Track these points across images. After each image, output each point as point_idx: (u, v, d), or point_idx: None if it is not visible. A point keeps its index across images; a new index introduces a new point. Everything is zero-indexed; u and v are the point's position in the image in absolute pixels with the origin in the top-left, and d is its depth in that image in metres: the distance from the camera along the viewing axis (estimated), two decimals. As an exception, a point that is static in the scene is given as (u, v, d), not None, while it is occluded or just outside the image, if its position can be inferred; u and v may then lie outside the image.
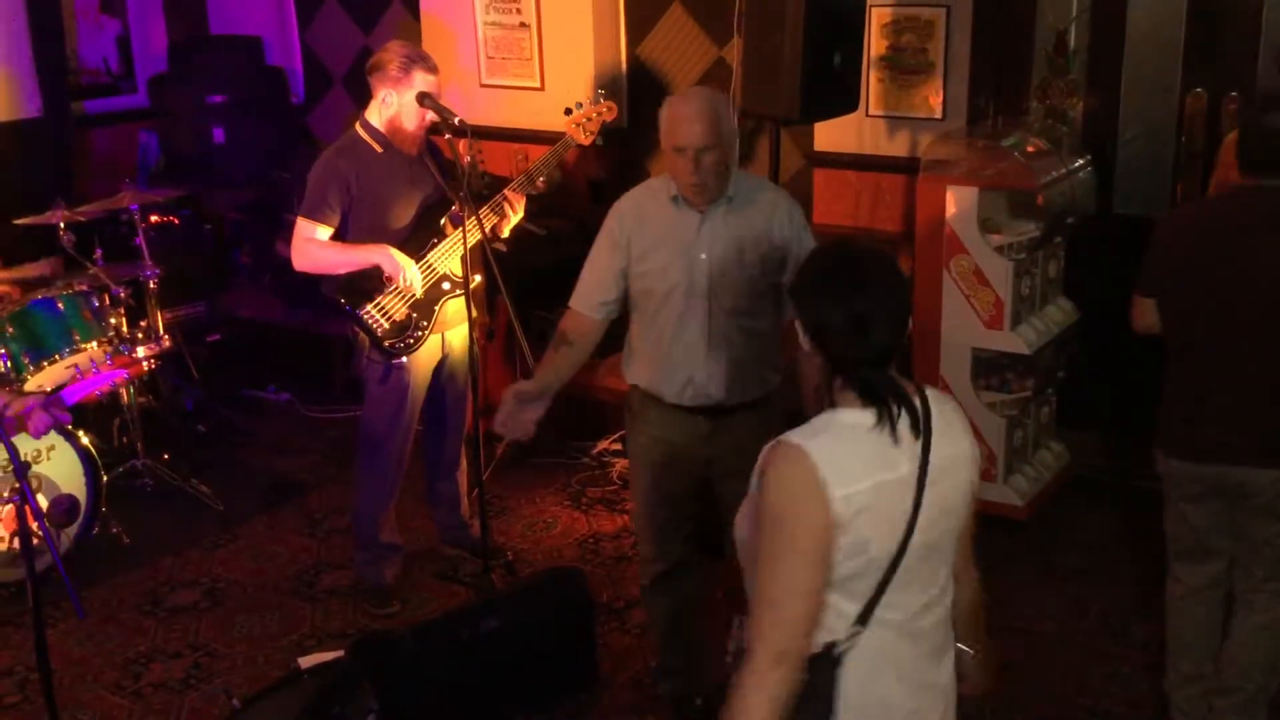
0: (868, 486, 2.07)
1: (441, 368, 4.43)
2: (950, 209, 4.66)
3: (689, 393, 3.40)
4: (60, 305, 4.99)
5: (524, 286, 4.89)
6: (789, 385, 3.31)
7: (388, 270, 4.17)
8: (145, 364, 5.08)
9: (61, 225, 5.14)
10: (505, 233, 4.41)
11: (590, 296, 3.45)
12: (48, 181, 6.11)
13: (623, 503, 5.22)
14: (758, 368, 3.41)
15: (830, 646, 2.14)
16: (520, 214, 4.41)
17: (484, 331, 5.39)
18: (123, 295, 5.15)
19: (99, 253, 5.25)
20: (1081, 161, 4.92)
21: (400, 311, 4.22)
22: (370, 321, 4.18)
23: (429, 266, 4.26)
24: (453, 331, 4.39)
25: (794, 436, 2.11)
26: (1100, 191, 5.06)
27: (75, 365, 4.81)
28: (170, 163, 6.98)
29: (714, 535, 3.47)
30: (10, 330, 4.83)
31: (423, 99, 4.14)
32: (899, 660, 2.19)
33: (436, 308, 4.29)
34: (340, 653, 3.82)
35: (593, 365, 5.46)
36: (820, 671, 2.13)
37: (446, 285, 4.30)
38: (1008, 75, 5.23)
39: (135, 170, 6.96)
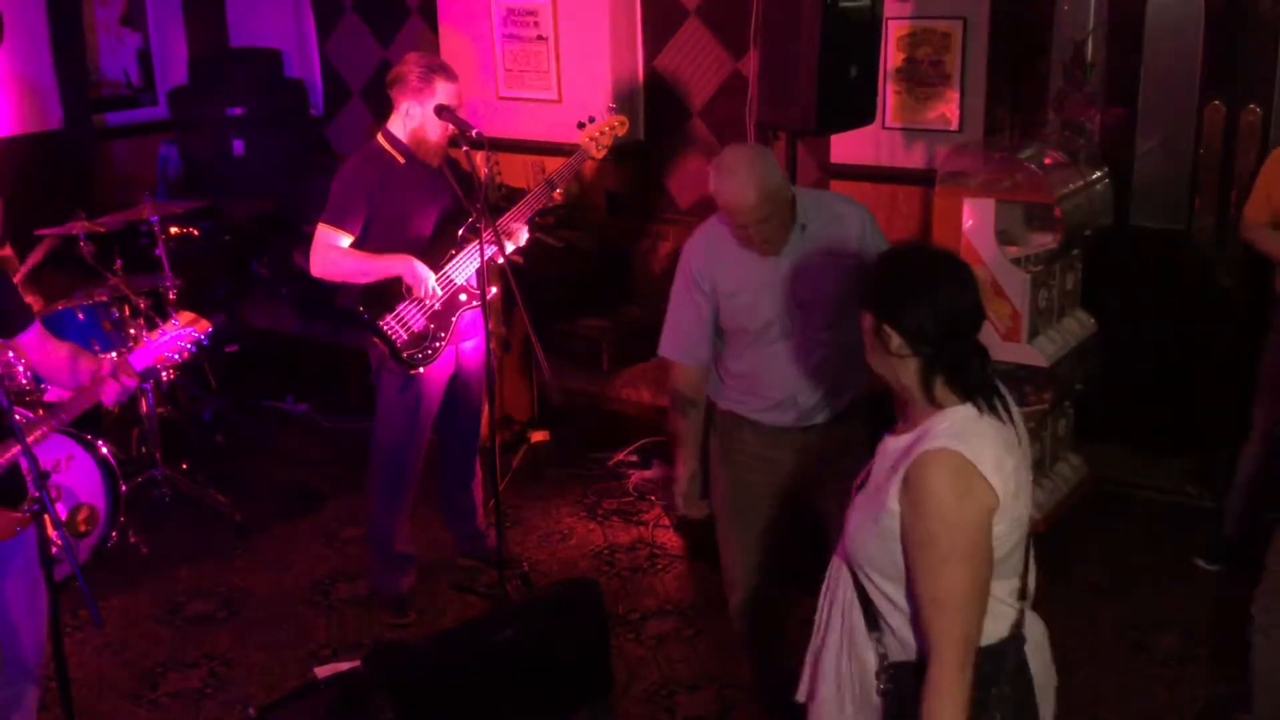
0: (1013, 468, 2.18)
1: (454, 379, 4.43)
2: (967, 221, 4.65)
3: (790, 415, 3.38)
4: (80, 315, 5.03)
5: (541, 298, 4.90)
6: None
7: (409, 282, 4.18)
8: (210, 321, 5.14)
9: (82, 236, 5.18)
10: (509, 250, 4.40)
11: (692, 347, 3.44)
12: (68, 193, 6.14)
13: (638, 514, 5.22)
14: (850, 374, 3.38)
15: (1016, 626, 2.23)
16: (523, 240, 4.42)
17: (500, 343, 5.40)
18: (142, 306, 5.19)
19: (119, 264, 5.28)
20: (1099, 174, 4.91)
21: (419, 322, 4.24)
22: (389, 332, 4.20)
23: (447, 278, 4.27)
24: (465, 343, 4.40)
25: (940, 443, 2.15)
26: (1118, 203, 5.04)
27: (144, 332, 4.82)
28: (190, 174, 7.02)
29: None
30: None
31: (440, 111, 4.16)
32: (1034, 623, 2.33)
33: (453, 319, 4.30)
34: (356, 662, 3.83)
35: (609, 378, 5.49)
36: (1011, 655, 2.22)
37: (463, 297, 4.32)
38: (1025, 87, 5.23)
39: (155, 182, 7.01)
